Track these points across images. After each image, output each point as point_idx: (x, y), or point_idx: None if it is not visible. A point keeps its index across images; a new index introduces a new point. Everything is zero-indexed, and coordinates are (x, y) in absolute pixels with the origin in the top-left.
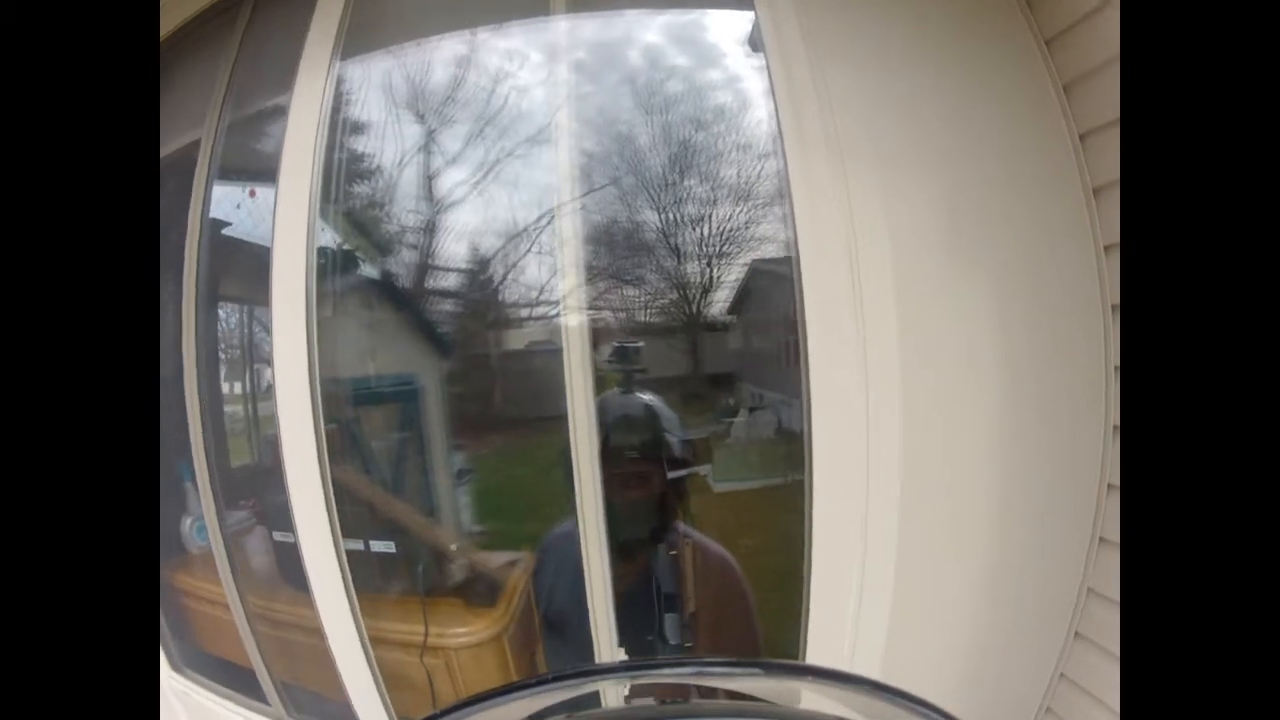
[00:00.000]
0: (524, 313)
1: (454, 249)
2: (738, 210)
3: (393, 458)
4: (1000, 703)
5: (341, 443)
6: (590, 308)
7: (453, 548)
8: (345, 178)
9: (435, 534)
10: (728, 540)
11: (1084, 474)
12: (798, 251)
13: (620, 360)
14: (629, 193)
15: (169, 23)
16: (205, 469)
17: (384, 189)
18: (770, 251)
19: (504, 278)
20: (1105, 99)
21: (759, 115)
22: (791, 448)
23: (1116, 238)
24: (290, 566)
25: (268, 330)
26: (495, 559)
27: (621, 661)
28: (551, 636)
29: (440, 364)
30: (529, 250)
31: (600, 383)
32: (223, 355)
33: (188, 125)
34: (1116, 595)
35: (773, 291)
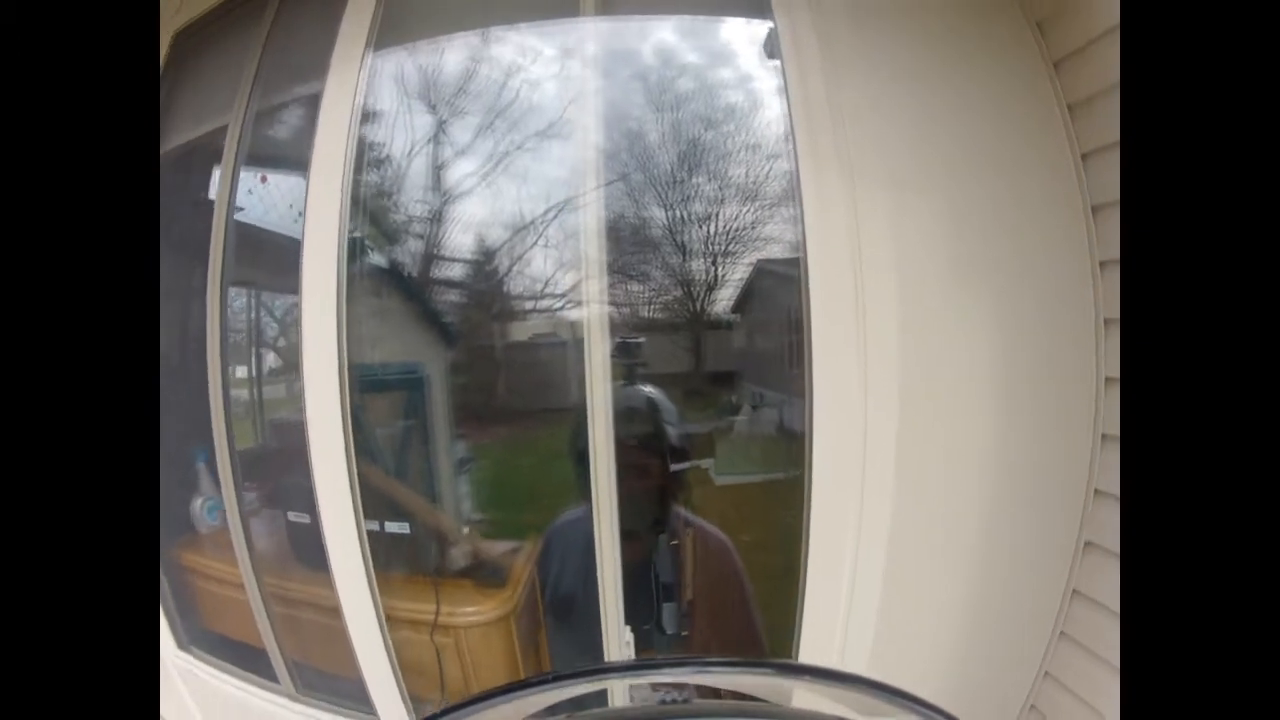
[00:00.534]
0: (530, 305)
1: (462, 239)
2: (745, 210)
3: (397, 445)
4: (986, 699)
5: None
6: (598, 301)
7: (464, 530)
8: (357, 167)
9: (443, 519)
10: (728, 531)
11: (1073, 479)
12: (806, 258)
13: (623, 355)
14: (637, 189)
15: (193, 10)
16: (227, 451)
17: (394, 178)
18: (776, 252)
19: (510, 269)
20: (1107, 121)
21: (769, 116)
22: (792, 445)
23: (1112, 254)
24: (304, 546)
25: (273, 315)
26: (501, 545)
27: (622, 661)
28: (557, 618)
29: (445, 354)
30: (535, 243)
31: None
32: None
33: (215, 112)
34: (1101, 597)
35: (777, 292)
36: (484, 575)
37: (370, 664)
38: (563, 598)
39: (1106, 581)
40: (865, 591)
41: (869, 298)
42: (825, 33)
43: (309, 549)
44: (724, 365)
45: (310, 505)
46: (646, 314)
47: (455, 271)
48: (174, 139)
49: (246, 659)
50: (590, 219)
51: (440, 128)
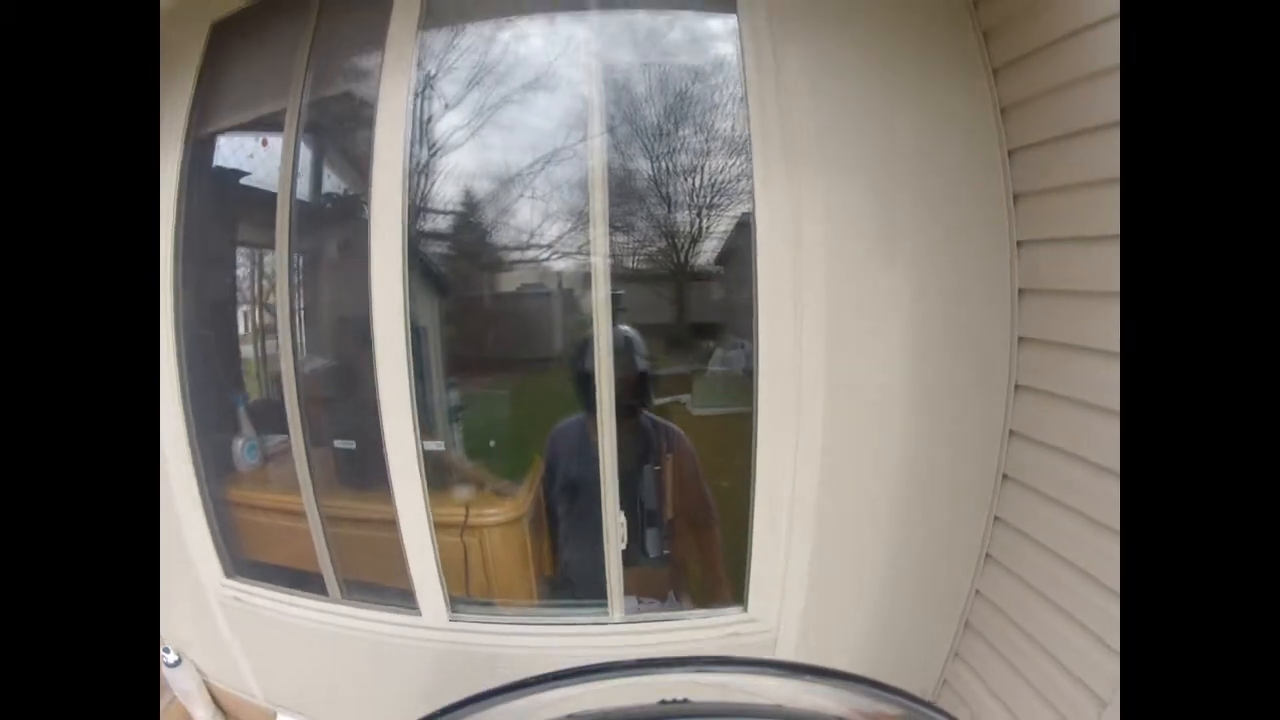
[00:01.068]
0: (520, 255)
1: (451, 192)
2: (731, 163)
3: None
4: (921, 593)
5: None
6: (581, 253)
7: (491, 443)
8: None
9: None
10: (703, 456)
11: (988, 423)
12: (755, 228)
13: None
14: (623, 141)
15: (232, 4)
16: (295, 397)
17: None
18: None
19: (496, 221)
20: (1037, 122)
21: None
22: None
23: (1030, 236)
24: (350, 470)
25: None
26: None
27: (623, 661)
28: (562, 504)
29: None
30: (524, 195)
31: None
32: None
33: (266, 97)
34: (1028, 482)
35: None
36: (502, 486)
37: (418, 563)
38: (569, 483)
39: (1026, 502)
40: (803, 500)
41: (803, 263)
42: (780, 28)
43: (354, 472)
44: (704, 314)
45: (358, 433)
46: (632, 264)
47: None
48: (220, 123)
49: (287, 579)
50: (595, 168)
51: (428, 82)
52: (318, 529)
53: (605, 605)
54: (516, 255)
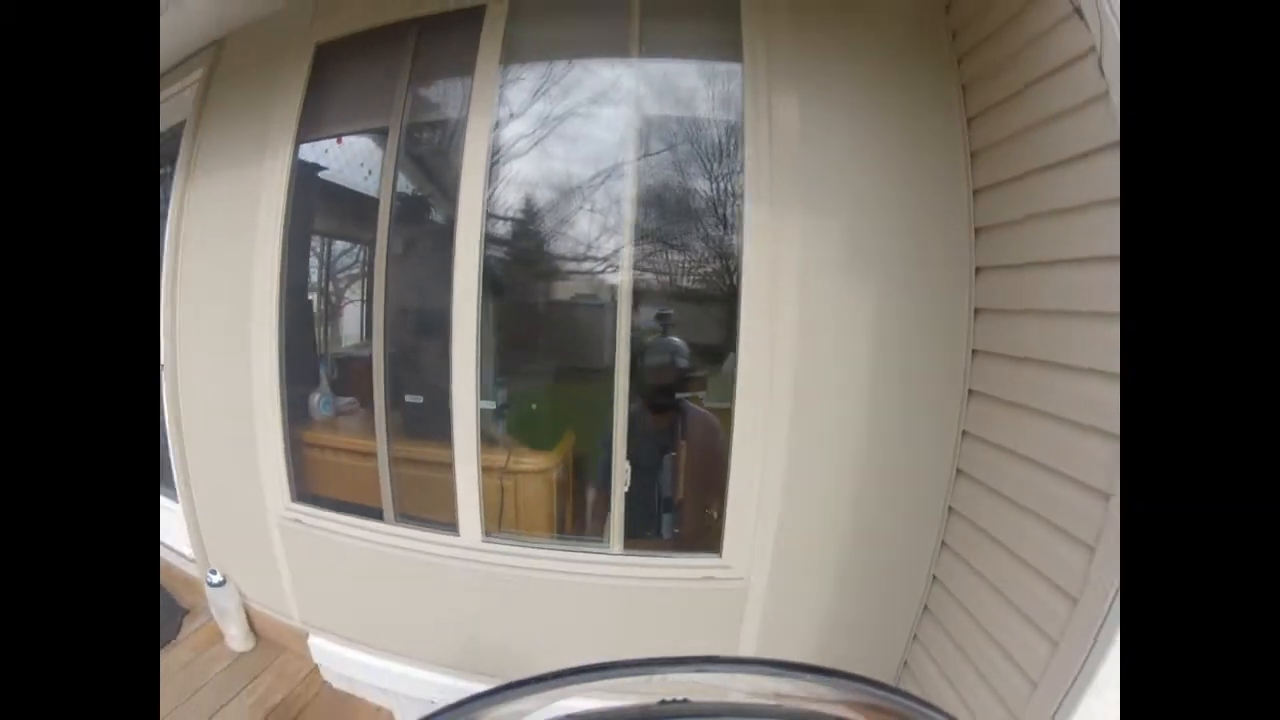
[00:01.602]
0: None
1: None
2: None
3: None
4: (881, 543)
5: None
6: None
7: (533, 407)
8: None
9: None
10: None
11: (940, 430)
12: (741, 251)
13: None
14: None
15: (336, 30)
16: (382, 359)
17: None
18: None
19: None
20: (1004, 165)
21: None
22: None
23: (990, 262)
24: (414, 422)
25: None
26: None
27: (623, 661)
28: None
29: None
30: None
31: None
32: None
33: (372, 112)
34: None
35: None
36: (539, 442)
37: (464, 496)
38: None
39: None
40: (772, 477)
41: (780, 279)
42: (776, 77)
43: (419, 421)
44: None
45: (426, 389)
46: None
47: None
48: (324, 131)
49: (345, 510)
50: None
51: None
52: (384, 466)
53: (606, 540)
54: (572, 265)
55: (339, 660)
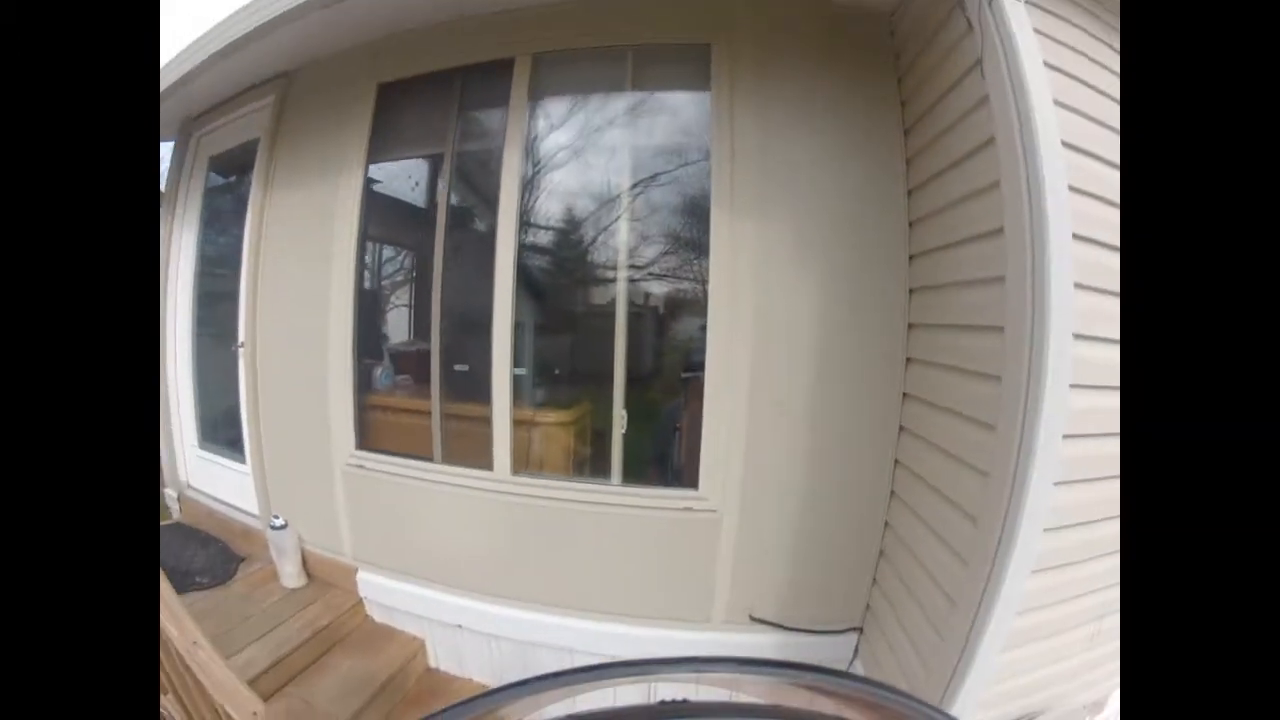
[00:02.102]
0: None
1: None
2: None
3: None
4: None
5: None
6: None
7: (556, 371)
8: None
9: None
10: None
11: (882, 397)
12: (711, 254)
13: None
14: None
15: (397, 73)
16: (438, 335)
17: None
18: None
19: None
20: (938, 195)
21: None
22: None
23: (920, 284)
24: (460, 386)
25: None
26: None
27: (624, 661)
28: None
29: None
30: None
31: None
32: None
33: (426, 140)
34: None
35: None
36: (563, 401)
37: (499, 442)
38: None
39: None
40: (736, 432)
41: (739, 271)
42: (738, 103)
43: (463, 386)
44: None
45: (474, 359)
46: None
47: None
48: (388, 154)
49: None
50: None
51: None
52: (437, 420)
53: (609, 476)
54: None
55: (382, 591)
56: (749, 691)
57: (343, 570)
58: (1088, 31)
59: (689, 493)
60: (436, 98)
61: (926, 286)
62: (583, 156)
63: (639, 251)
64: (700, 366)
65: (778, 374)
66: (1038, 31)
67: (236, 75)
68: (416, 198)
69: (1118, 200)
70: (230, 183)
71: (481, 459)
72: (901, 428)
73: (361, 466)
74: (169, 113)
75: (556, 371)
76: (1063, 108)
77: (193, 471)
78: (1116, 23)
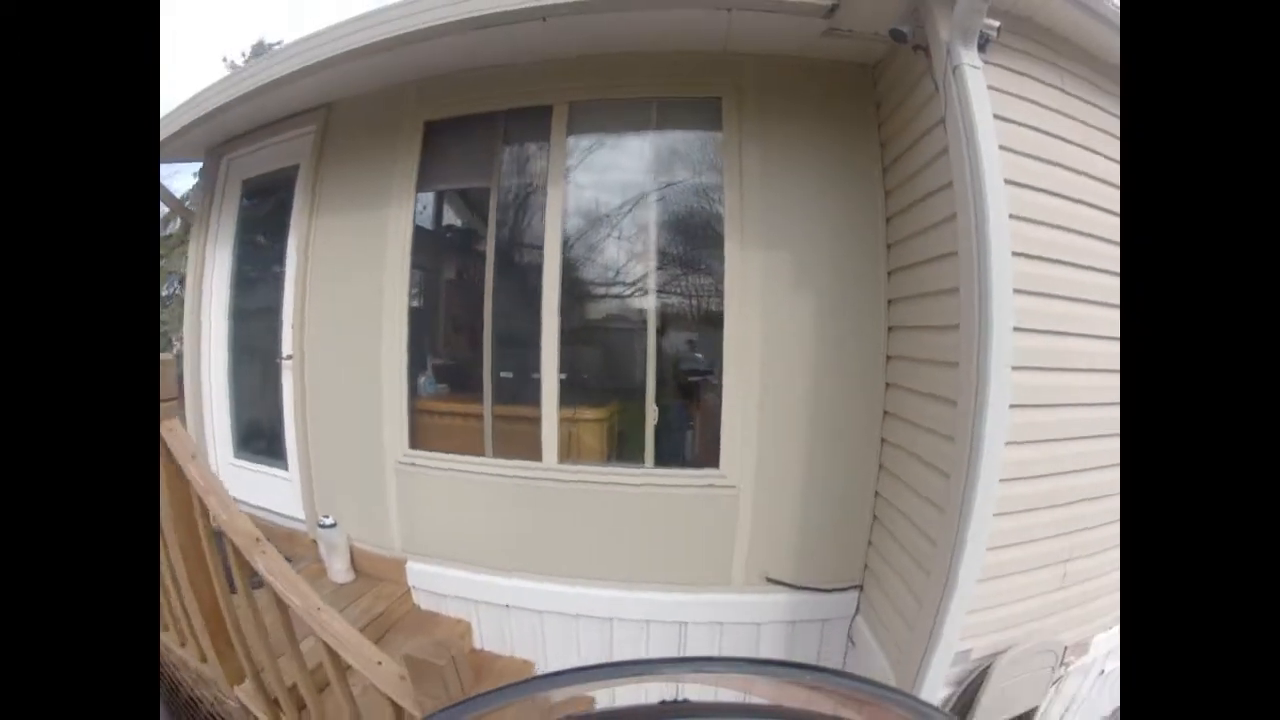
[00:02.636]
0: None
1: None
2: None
3: None
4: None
5: None
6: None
7: (584, 376)
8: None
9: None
10: None
11: (869, 387)
12: (725, 274)
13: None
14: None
15: (441, 113)
16: (489, 345)
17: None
18: None
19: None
20: (910, 224)
21: None
22: None
23: (897, 295)
24: (507, 390)
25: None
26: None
27: (620, 661)
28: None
29: None
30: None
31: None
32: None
33: (471, 173)
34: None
35: None
36: (597, 399)
37: (547, 434)
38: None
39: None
40: (749, 418)
41: (750, 290)
42: (747, 146)
43: (511, 390)
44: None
45: (517, 367)
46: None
47: None
48: (436, 185)
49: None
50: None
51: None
52: (488, 418)
53: (644, 460)
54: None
55: (431, 579)
56: (749, 690)
57: (391, 563)
58: (1041, 80)
59: (711, 471)
60: (482, 135)
61: (901, 297)
62: (612, 192)
63: (644, 269)
64: (710, 369)
65: (783, 372)
66: (992, 88)
67: (273, 107)
68: (466, 224)
69: (1051, 221)
70: (265, 205)
71: (530, 451)
72: (885, 411)
73: (414, 464)
74: (196, 137)
75: (585, 376)
76: (1007, 151)
77: (229, 480)
78: (1069, 68)
